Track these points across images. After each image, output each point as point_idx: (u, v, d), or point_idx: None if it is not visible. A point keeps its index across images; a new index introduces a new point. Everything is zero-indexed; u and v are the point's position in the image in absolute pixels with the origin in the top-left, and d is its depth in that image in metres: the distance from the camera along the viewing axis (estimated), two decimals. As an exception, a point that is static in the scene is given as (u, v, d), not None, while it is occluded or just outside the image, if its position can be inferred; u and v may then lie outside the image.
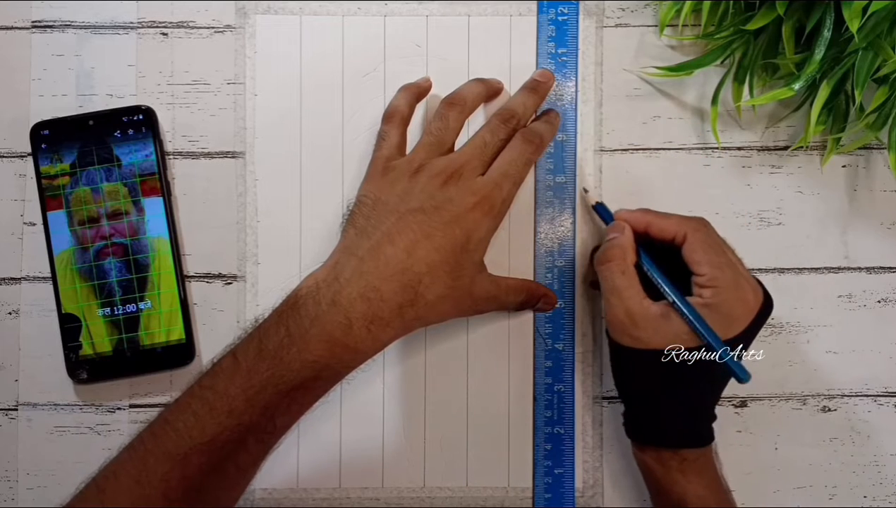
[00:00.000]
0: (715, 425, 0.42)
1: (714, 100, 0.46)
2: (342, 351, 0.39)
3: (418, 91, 0.46)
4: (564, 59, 0.47)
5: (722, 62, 0.46)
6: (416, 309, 0.40)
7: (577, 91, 0.47)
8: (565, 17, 0.47)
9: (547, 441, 0.47)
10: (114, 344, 0.46)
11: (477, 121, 0.47)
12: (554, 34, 0.47)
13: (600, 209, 0.46)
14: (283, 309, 0.40)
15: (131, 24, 0.47)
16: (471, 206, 0.41)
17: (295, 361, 0.38)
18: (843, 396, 0.48)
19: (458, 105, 0.44)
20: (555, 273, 0.47)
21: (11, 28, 0.47)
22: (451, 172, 0.42)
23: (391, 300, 0.39)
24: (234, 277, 0.47)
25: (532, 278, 0.47)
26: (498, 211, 0.43)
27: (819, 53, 0.42)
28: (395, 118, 0.45)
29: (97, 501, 0.37)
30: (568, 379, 0.47)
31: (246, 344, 0.39)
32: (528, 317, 0.47)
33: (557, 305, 0.46)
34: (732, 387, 0.47)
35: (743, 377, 0.40)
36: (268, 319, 0.40)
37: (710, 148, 0.48)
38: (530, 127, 0.45)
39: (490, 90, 0.46)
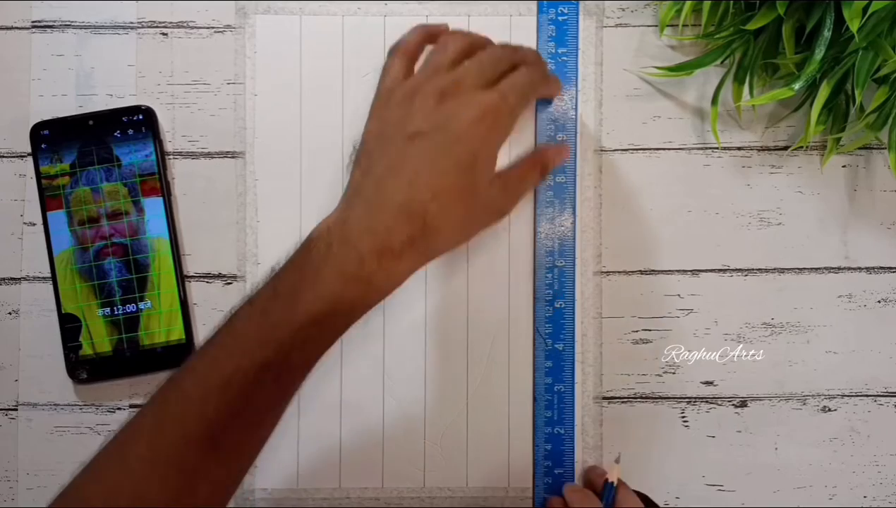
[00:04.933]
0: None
1: (714, 100, 0.46)
2: (355, 284, 0.38)
3: (433, 32, 0.43)
4: (564, 59, 0.47)
5: (722, 62, 0.46)
6: (428, 240, 0.39)
7: (577, 91, 0.47)
8: (565, 17, 0.47)
9: (547, 441, 0.47)
10: (114, 344, 0.46)
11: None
12: (554, 34, 0.47)
13: (608, 489, 0.44)
14: (295, 254, 0.40)
15: (131, 24, 0.47)
16: (473, 120, 0.39)
17: (308, 297, 0.38)
18: (843, 396, 0.48)
19: (458, 36, 0.42)
20: (555, 273, 0.47)
21: (11, 28, 0.47)
22: (448, 87, 0.39)
23: (399, 232, 0.38)
24: (234, 277, 0.47)
25: (532, 279, 0.47)
26: (504, 124, 0.40)
27: (819, 53, 0.42)
28: (401, 51, 0.43)
29: (117, 452, 0.37)
30: (568, 379, 0.47)
31: (261, 290, 0.39)
32: (528, 317, 0.47)
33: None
34: (732, 387, 0.47)
35: None
36: (282, 267, 0.40)
37: (710, 148, 0.48)
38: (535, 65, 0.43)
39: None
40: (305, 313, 0.38)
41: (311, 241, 0.39)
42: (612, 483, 0.44)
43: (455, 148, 0.39)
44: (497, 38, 0.47)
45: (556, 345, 0.47)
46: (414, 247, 0.39)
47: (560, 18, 0.47)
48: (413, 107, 0.40)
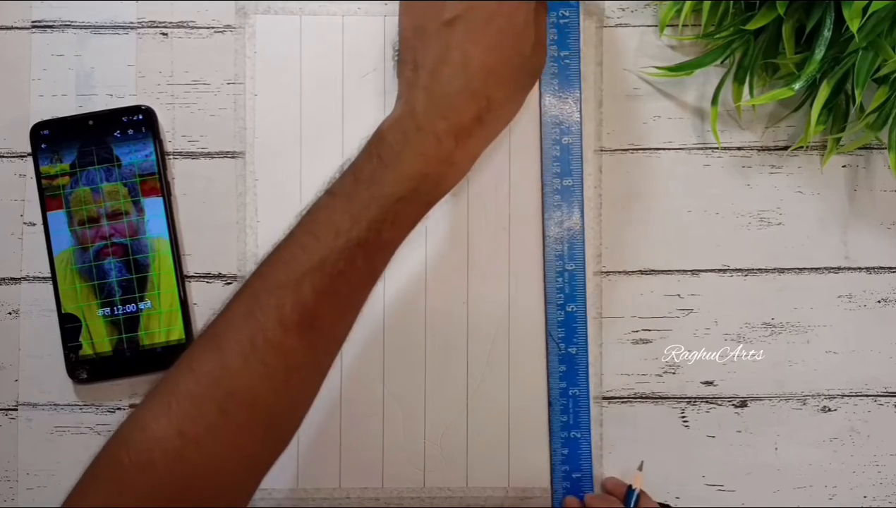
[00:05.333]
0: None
1: (714, 101, 0.46)
2: (436, 163, 0.40)
3: None
4: (567, 61, 0.47)
5: (722, 62, 0.46)
6: (494, 113, 0.41)
7: (580, 94, 0.47)
8: (567, 20, 0.47)
9: (564, 445, 0.46)
10: (114, 344, 0.46)
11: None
12: (556, 37, 0.47)
13: (630, 494, 0.44)
14: (367, 147, 0.41)
15: (131, 24, 0.47)
16: None
17: (392, 179, 0.39)
18: (843, 396, 0.48)
19: None
20: (565, 277, 0.47)
21: (11, 28, 0.47)
22: None
23: (467, 112, 0.40)
24: (234, 277, 0.47)
25: (533, 279, 0.47)
26: None
27: (819, 53, 0.42)
28: None
29: (212, 344, 0.37)
30: (582, 382, 0.46)
31: (339, 181, 0.40)
32: (528, 317, 0.47)
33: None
34: (732, 387, 0.47)
35: None
36: (355, 160, 0.41)
37: (710, 148, 0.48)
38: None
39: None
40: (393, 192, 0.39)
41: (382, 133, 0.40)
42: (636, 489, 0.44)
43: (494, 23, 0.40)
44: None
45: (569, 349, 0.46)
46: (483, 123, 0.40)
47: (562, 21, 0.47)
48: None
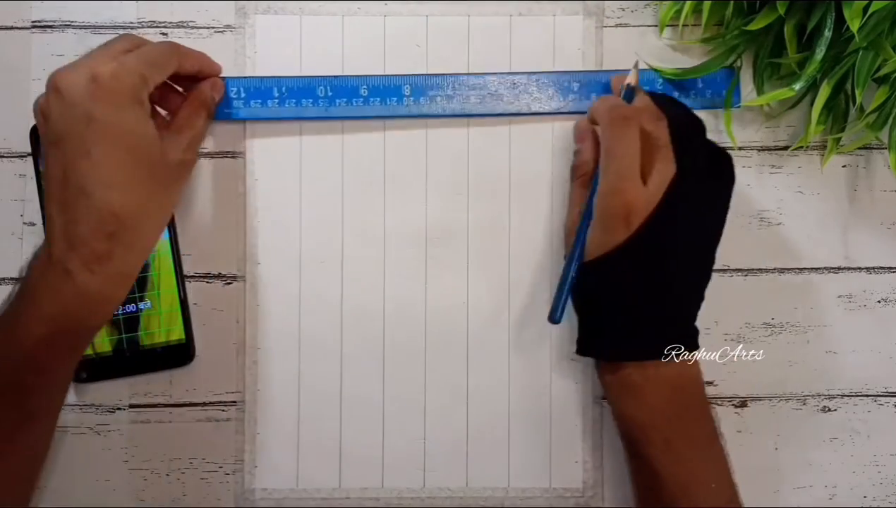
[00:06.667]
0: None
1: (727, 102, 0.46)
2: (73, 299, 0.38)
3: None
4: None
5: (731, 65, 0.46)
6: (129, 232, 0.39)
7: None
8: (565, 17, 0.47)
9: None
10: (114, 344, 0.46)
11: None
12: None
13: (627, 92, 0.44)
14: (21, 281, 0.40)
15: (131, 24, 0.47)
16: (87, 90, 0.37)
17: (26, 321, 0.38)
18: (843, 396, 0.48)
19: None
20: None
21: (11, 28, 0.47)
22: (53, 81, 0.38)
23: (97, 238, 0.38)
24: (234, 277, 0.47)
25: (543, 282, 0.47)
26: (126, 83, 0.38)
27: (819, 53, 0.42)
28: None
29: None
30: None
31: None
32: (528, 314, 0.47)
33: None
34: (732, 387, 0.47)
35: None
36: (12, 293, 0.40)
37: (711, 148, 0.48)
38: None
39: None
40: (30, 334, 0.37)
41: (28, 270, 0.39)
42: (631, 84, 0.44)
43: (91, 133, 0.37)
44: (497, 38, 0.47)
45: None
46: (120, 241, 0.38)
47: None
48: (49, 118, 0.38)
